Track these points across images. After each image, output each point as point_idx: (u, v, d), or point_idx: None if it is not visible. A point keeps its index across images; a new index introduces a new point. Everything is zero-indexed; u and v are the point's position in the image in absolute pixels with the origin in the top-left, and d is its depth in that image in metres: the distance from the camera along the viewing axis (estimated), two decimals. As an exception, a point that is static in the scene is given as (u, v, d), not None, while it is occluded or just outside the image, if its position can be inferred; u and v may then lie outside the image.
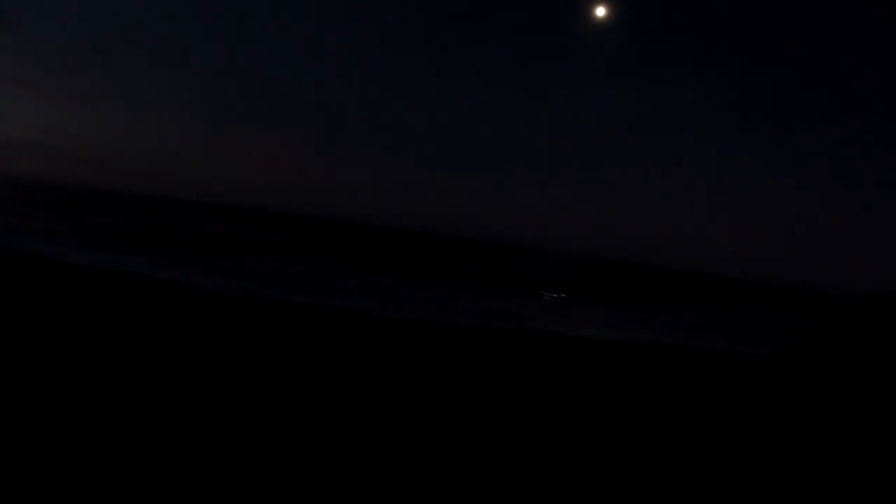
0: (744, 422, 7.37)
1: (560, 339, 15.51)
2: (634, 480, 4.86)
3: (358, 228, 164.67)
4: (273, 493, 3.91)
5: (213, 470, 4.11)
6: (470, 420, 6.13)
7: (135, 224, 48.38)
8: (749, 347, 21.28)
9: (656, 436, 6.31)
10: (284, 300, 17.60)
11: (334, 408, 5.95)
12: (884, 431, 7.23)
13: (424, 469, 4.61)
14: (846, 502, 4.95)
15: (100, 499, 3.56)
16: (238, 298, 16.06)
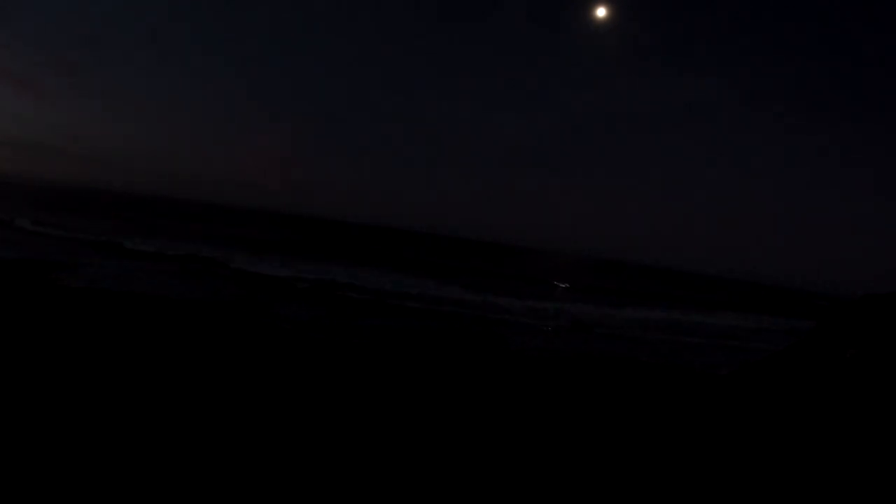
0: (740, 425, 7.31)
1: (542, 353, 15.43)
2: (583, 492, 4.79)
3: (357, 229, 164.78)
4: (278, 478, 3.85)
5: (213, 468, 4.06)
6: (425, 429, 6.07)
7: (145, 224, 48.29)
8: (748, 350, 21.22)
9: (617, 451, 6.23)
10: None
11: (323, 411, 5.90)
12: (885, 433, 7.16)
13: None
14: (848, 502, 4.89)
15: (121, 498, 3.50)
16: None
